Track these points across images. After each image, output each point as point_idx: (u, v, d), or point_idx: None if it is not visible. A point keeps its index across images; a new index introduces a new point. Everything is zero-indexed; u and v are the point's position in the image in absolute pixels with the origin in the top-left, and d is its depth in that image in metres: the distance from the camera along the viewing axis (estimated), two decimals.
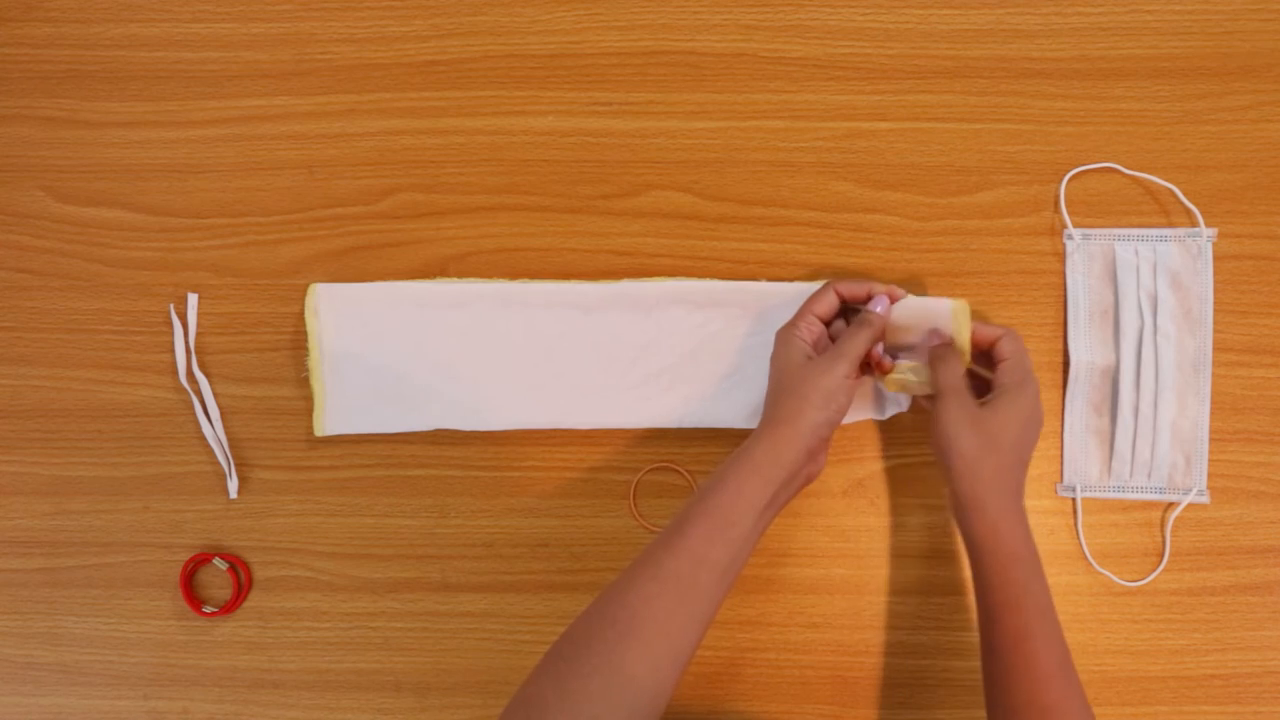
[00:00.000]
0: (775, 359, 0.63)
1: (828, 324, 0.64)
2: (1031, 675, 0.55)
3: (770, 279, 0.69)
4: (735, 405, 0.68)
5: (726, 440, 0.68)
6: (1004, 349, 0.62)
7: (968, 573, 0.68)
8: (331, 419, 0.69)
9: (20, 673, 0.71)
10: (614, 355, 0.69)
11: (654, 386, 0.69)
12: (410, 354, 0.69)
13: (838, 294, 0.64)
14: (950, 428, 0.59)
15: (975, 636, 0.68)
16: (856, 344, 0.61)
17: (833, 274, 0.69)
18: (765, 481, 0.57)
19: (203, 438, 0.71)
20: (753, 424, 0.67)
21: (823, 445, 0.61)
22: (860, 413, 0.67)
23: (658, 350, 0.69)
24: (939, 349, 0.62)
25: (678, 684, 0.54)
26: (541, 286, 0.69)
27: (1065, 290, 0.69)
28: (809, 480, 0.62)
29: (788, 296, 0.67)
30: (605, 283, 0.69)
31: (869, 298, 0.64)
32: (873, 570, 0.69)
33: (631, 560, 0.57)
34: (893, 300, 0.64)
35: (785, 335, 0.63)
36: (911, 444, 0.69)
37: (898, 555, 0.69)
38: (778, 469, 0.58)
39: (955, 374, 0.61)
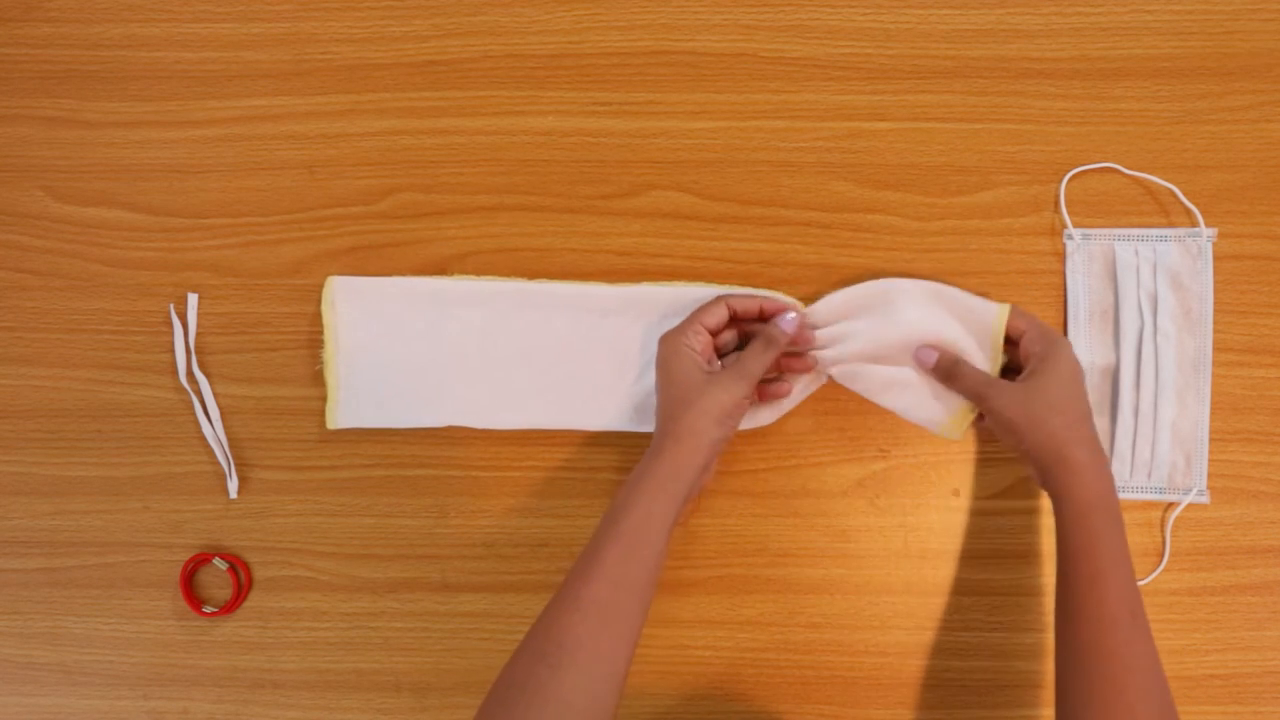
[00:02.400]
0: (667, 367, 0.63)
1: (714, 335, 0.65)
2: (1099, 619, 0.56)
3: (770, 279, 0.69)
4: None
5: (735, 440, 0.68)
6: (1016, 324, 0.64)
7: (967, 573, 0.68)
8: (344, 413, 0.69)
9: (20, 673, 0.71)
10: (627, 358, 0.69)
11: None
12: (425, 350, 0.69)
13: (730, 309, 0.64)
14: (1006, 417, 0.61)
15: (974, 637, 0.68)
16: (761, 364, 0.63)
17: (833, 274, 0.69)
18: (670, 498, 0.59)
19: (203, 438, 0.71)
20: (757, 424, 0.67)
21: (716, 457, 0.63)
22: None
23: None
24: (943, 368, 0.64)
25: (618, 706, 0.55)
26: (558, 287, 0.69)
27: (1065, 290, 0.69)
28: (701, 491, 0.65)
29: (795, 303, 0.67)
30: (623, 285, 0.69)
31: (760, 314, 0.65)
32: (873, 570, 0.69)
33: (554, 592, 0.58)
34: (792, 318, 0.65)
35: (674, 344, 0.63)
36: (912, 444, 0.69)
37: (898, 555, 0.69)
38: (680, 485, 0.60)
39: (976, 377, 0.63)
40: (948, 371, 0.64)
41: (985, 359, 0.65)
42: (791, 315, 0.64)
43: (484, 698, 0.55)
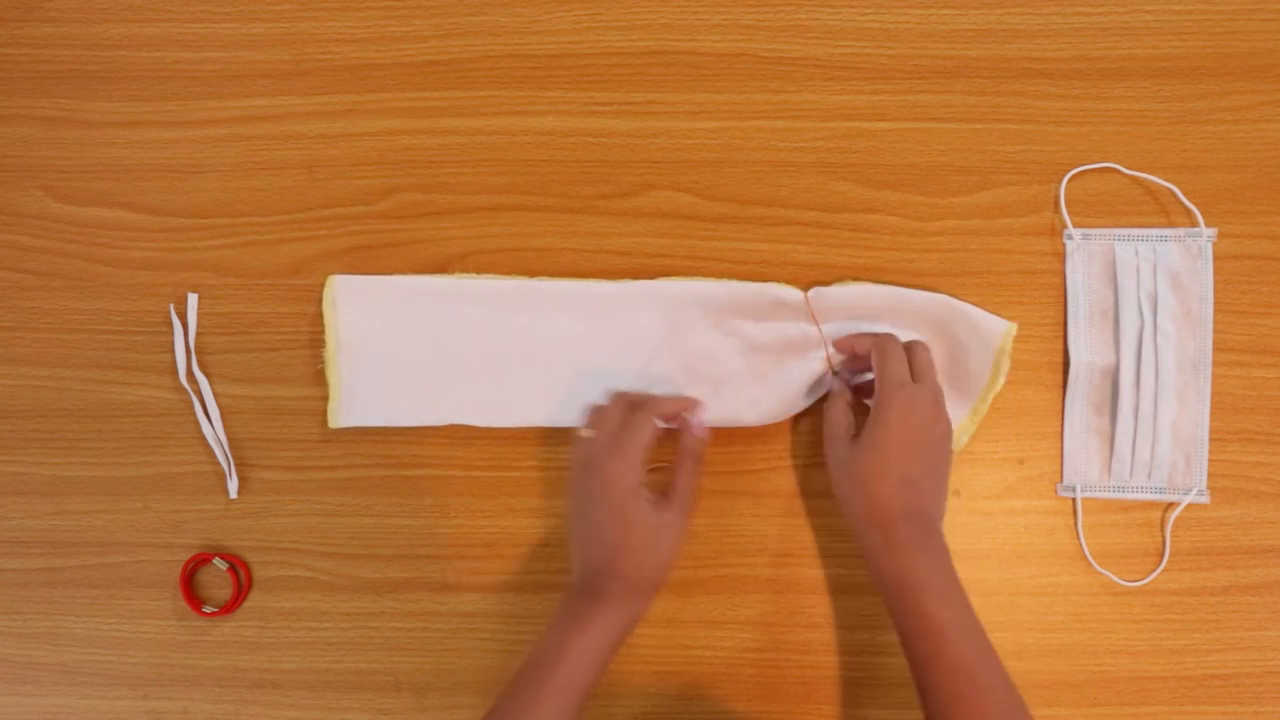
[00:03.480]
0: (620, 509, 0.59)
1: None
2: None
3: (771, 279, 0.69)
4: (748, 404, 0.68)
5: (736, 439, 0.68)
6: (875, 366, 0.63)
7: (967, 573, 0.68)
8: (346, 411, 0.69)
9: (20, 673, 0.71)
10: (630, 354, 0.69)
11: (668, 386, 0.68)
12: (427, 348, 0.69)
13: (659, 419, 0.63)
14: (831, 477, 0.64)
15: None
16: (693, 484, 0.64)
17: (833, 274, 0.69)
18: (619, 645, 0.60)
19: (203, 438, 0.71)
20: (765, 420, 0.67)
21: None
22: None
23: (672, 349, 0.68)
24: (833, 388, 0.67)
25: None
26: (560, 284, 0.69)
27: (1065, 290, 0.69)
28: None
29: (802, 298, 0.68)
30: (624, 281, 0.69)
31: (675, 413, 0.65)
32: None
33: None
34: (693, 420, 0.65)
35: (626, 484, 0.59)
36: None
37: None
38: (630, 631, 0.60)
39: (835, 421, 0.64)
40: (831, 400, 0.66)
41: (986, 376, 0.67)
42: (697, 419, 0.65)
43: None
